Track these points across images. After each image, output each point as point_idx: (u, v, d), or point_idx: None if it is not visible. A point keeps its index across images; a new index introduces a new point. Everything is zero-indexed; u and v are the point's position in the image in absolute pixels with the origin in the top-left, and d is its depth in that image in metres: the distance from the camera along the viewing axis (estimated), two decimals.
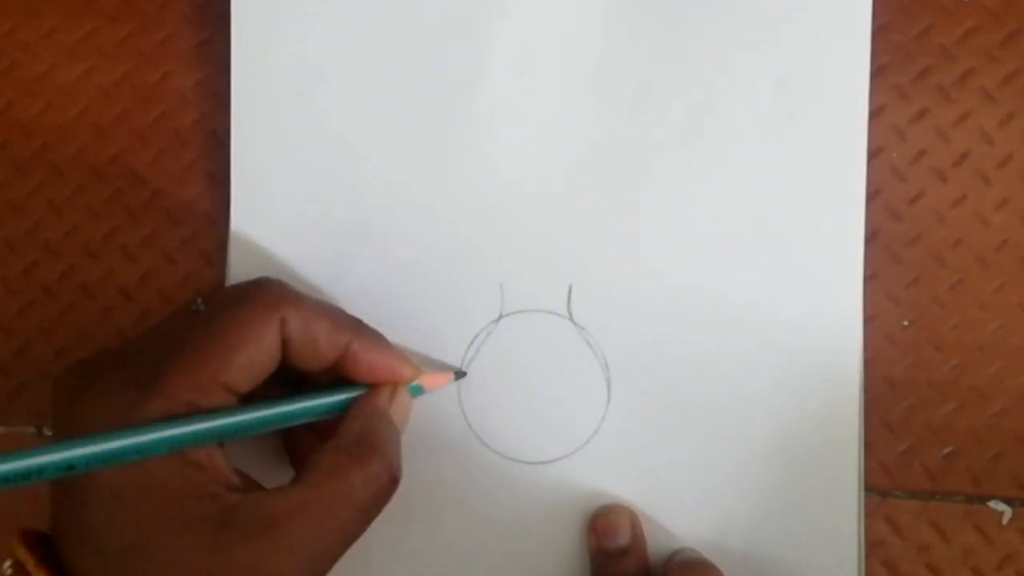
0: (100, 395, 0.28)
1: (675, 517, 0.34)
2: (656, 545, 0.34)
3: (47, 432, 0.38)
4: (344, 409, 0.31)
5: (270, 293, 0.30)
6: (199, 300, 0.31)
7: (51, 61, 0.37)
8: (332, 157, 0.35)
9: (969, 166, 0.35)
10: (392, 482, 0.29)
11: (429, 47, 0.35)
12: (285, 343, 0.30)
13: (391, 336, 0.34)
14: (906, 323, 0.35)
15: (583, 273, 0.35)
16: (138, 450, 0.27)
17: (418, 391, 0.33)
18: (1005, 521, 0.35)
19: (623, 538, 0.33)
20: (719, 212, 0.34)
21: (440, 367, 0.35)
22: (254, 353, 0.29)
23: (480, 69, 0.35)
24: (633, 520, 0.34)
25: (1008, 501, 0.35)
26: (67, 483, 0.27)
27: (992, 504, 0.35)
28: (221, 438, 0.28)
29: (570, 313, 0.35)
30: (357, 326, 0.32)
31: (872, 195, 0.35)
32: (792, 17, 0.34)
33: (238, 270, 0.36)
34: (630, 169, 0.35)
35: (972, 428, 0.35)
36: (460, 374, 0.35)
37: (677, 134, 0.35)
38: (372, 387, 0.32)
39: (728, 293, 0.34)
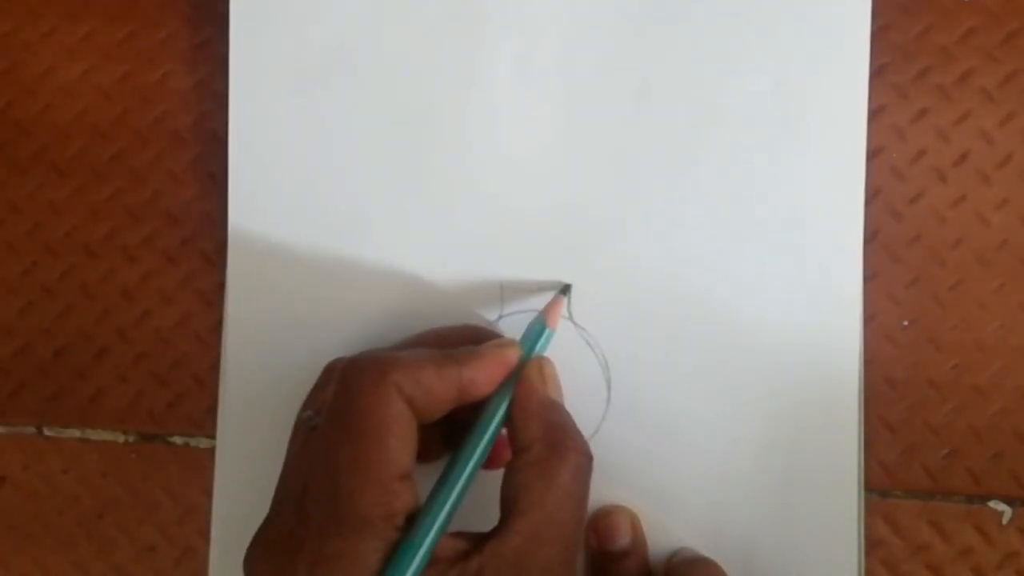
0: (315, 566, 0.26)
1: (675, 517, 0.34)
2: (656, 545, 0.34)
3: (47, 432, 0.38)
4: (505, 419, 0.30)
5: (369, 368, 0.28)
6: (309, 414, 0.29)
7: (51, 61, 0.37)
8: (331, 157, 0.35)
9: (969, 166, 0.35)
10: (590, 458, 0.29)
11: (428, 47, 0.35)
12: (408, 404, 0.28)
13: (392, 336, 0.34)
14: (906, 323, 0.35)
15: (583, 273, 0.35)
16: None
17: (549, 338, 0.32)
18: (1005, 521, 0.35)
19: (624, 539, 0.33)
20: (719, 212, 0.34)
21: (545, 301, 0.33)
22: (396, 427, 0.28)
23: (480, 69, 0.35)
24: (633, 521, 0.34)
25: (1008, 501, 0.35)
26: None
27: (992, 504, 0.35)
28: (439, 535, 0.27)
29: (570, 313, 0.35)
30: (450, 355, 0.30)
31: (872, 195, 0.35)
32: (791, 17, 0.34)
33: (238, 270, 0.36)
34: (629, 169, 0.35)
35: (972, 428, 0.35)
36: (565, 288, 0.34)
37: (677, 134, 0.35)
38: (516, 382, 0.30)
39: (728, 293, 0.34)
